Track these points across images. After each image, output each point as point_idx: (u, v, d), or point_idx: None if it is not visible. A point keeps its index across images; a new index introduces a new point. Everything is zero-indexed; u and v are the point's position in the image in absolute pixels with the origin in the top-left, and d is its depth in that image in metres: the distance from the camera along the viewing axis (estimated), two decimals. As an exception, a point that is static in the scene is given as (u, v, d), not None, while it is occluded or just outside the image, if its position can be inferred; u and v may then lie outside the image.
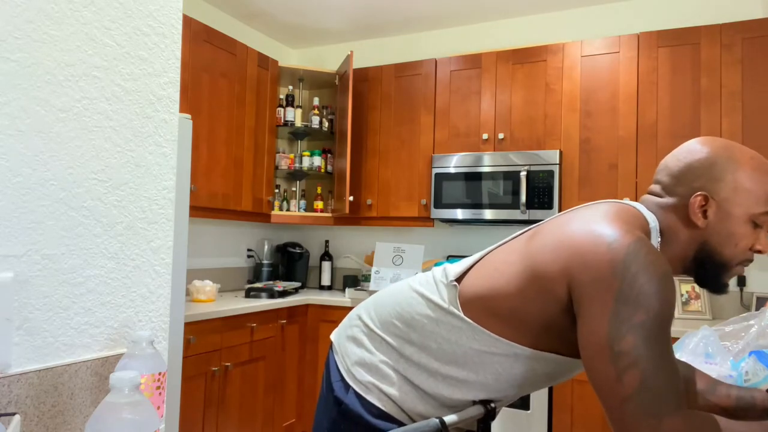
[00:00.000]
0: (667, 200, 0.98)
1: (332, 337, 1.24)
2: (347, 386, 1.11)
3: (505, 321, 0.98)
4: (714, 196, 0.93)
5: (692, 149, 0.98)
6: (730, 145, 0.96)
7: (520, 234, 1.09)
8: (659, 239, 0.97)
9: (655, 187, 1.02)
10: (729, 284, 0.93)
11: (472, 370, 1.01)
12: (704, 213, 0.94)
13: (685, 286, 3.01)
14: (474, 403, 1.05)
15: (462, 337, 1.01)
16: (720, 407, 1.09)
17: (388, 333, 1.10)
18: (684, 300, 2.99)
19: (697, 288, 2.99)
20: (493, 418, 1.05)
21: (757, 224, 0.92)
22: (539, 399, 2.78)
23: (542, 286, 0.94)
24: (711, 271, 0.94)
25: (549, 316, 0.95)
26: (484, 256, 1.09)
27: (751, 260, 0.93)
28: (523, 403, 2.80)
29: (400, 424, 1.05)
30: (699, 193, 0.94)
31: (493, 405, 1.04)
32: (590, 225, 0.91)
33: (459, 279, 1.07)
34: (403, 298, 1.11)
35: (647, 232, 0.96)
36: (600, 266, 0.87)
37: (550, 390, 2.79)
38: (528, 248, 0.99)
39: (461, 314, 1.01)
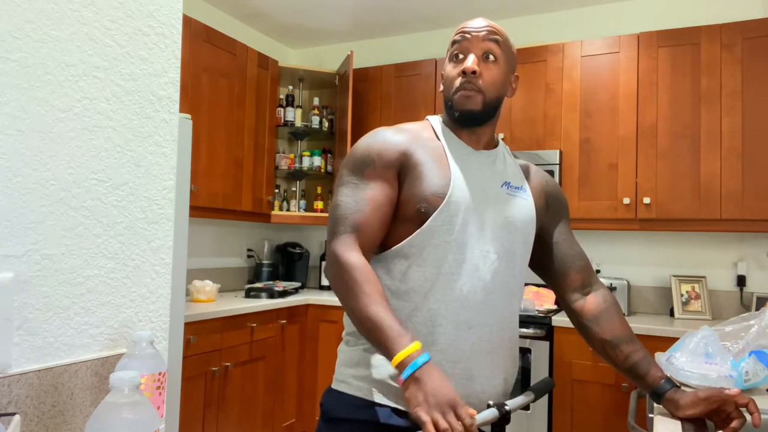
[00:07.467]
0: None
1: None
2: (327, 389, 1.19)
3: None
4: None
5: None
6: None
7: None
8: (442, 125, 1.24)
9: None
10: (463, 110, 1.17)
11: (415, 252, 1.13)
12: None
13: (685, 287, 3.01)
14: (489, 406, 1.05)
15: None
16: (612, 361, 1.20)
17: None
18: (684, 300, 2.99)
19: (696, 288, 2.99)
20: (507, 421, 1.05)
21: (454, 59, 1.20)
22: (539, 399, 2.78)
23: None
24: (449, 108, 1.20)
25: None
26: None
27: (462, 83, 1.17)
28: (523, 403, 2.80)
29: (375, 409, 1.08)
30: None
31: (507, 408, 1.05)
32: None
33: None
34: None
35: (426, 127, 1.24)
36: None
37: (550, 390, 2.79)
38: None
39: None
